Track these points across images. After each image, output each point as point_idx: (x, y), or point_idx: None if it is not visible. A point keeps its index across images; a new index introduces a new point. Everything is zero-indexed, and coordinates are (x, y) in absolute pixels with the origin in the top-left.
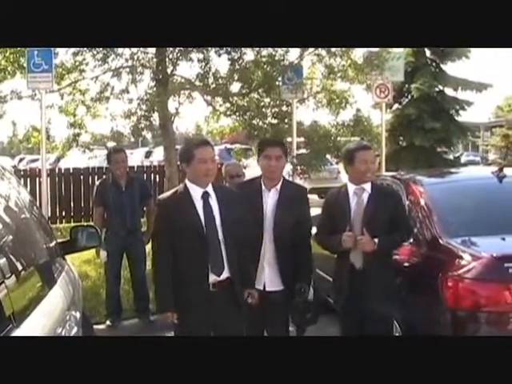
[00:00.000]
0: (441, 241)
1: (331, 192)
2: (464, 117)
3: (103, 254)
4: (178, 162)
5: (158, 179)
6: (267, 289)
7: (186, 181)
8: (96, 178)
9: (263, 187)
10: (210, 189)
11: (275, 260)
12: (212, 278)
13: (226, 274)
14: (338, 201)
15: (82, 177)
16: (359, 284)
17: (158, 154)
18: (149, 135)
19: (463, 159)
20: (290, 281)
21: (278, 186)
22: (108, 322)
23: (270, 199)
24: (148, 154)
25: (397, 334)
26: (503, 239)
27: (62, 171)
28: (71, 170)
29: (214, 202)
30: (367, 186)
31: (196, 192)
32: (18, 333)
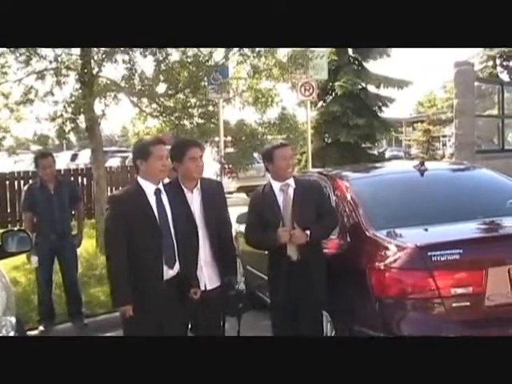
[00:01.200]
0: (367, 233)
1: (256, 192)
2: (387, 113)
3: (34, 258)
4: (132, 160)
5: (85, 182)
6: (208, 288)
7: (138, 178)
8: (22, 182)
9: (185, 189)
10: (161, 186)
11: (211, 258)
12: (165, 271)
13: (177, 268)
14: (265, 199)
15: (7, 182)
16: (296, 275)
17: (84, 157)
18: (73, 138)
19: (387, 154)
20: (222, 276)
21: (199, 185)
22: (41, 328)
23: (194, 200)
24: (74, 157)
25: (329, 326)
26: (426, 230)
27: None
28: None
29: (165, 198)
30: (291, 182)
31: (149, 188)
32: None
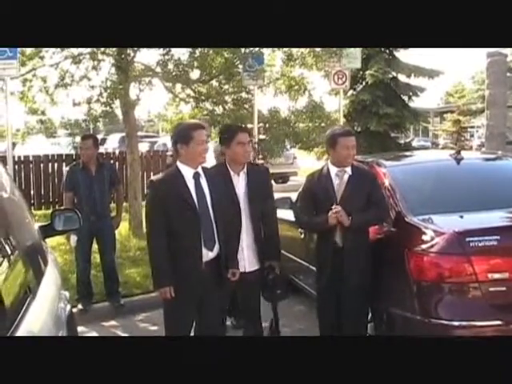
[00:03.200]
0: (405, 218)
1: (313, 173)
2: (416, 103)
3: (73, 238)
4: (172, 144)
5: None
6: (247, 270)
7: (178, 163)
8: (56, 165)
9: (231, 172)
10: (200, 170)
11: (252, 241)
12: (205, 254)
13: (216, 250)
14: (321, 182)
15: (41, 164)
16: (341, 261)
17: (112, 142)
18: (100, 123)
19: (414, 144)
20: (263, 259)
21: (245, 170)
22: (80, 306)
23: (240, 183)
24: (102, 142)
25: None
26: (461, 217)
27: (22, 159)
28: (31, 158)
29: (204, 181)
30: (348, 169)
31: (188, 172)
32: (34, 304)
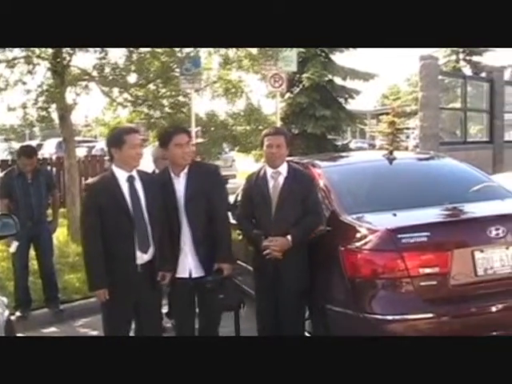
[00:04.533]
0: (339, 217)
1: (251, 175)
2: (352, 105)
3: (14, 244)
4: (106, 148)
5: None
6: (193, 275)
7: (113, 166)
8: None
9: (172, 174)
10: (134, 173)
11: (198, 245)
12: (139, 256)
13: (152, 253)
14: (257, 183)
15: None
16: (277, 261)
17: (49, 147)
18: (36, 128)
19: (352, 145)
20: (211, 260)
21: (186, 171)
22: (18, 313)
23: (180, 185)
24: (38, 147)
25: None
26: (394, 215)
27: None
28: None
29: (138, 184)
30: (282, 170)
31: (122, 176)
32: None
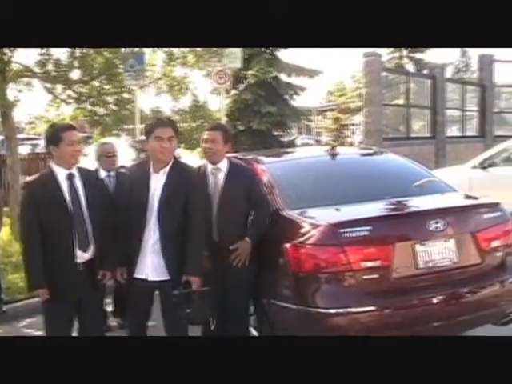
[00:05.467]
0: (282, 212)
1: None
2: (298, 101)
3: None
4: (45, 146)
5: None
6: (150, 278)
7: (52, 164)
8: None
9: (151, 170)
10: (74, 171)
11: (160, 248)
12: (79, 255)
13: (92, 251)
14: (201, 180)
15: None
16: (221, 257)
17: None
18: None
19: (298, 142)
20: (177, 271)
21: (167, 169)
22: None
23: (158, 183)
24: None
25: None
26: (337, 209)
27: None
28: None
29: (78, 182)
30: (222, 166)
31: (61, 173)
32: None
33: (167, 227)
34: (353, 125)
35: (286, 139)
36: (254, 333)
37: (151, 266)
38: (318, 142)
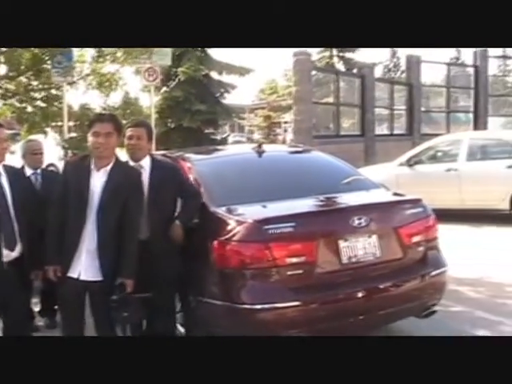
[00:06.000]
0: (209, 209)
1: None
2: (230, 99)
3: None
4: None
5: None
6: (81, 278)
7: None
8: None
9: (92, 167)
10: (0, 168)
11: (95, 248)
12: (6, 254)
13: (19, 250)
14: None
15: None
16: (147, 254)
17: None
18: None
19: (230, 140)
20: (111, 272)
21: (108, 168)
22: None
23: (98, 181)
24: None
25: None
26: (264, 206)
27: None
28: None
29: (4, 179)
30: (145, 163)
31: None
32: None
33: (105, 228)
34: (285, 122)
35: (218, 137)
36: (182, 330)
37: (85, 265)
38: (250, 140)
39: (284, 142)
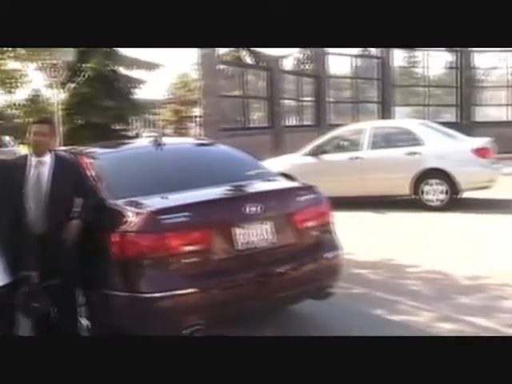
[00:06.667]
0: (107, 202)
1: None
2: (141, 94)
3: None
4: None
5: None
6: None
7: None
8: None
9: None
10: None
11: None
12: None
13: None
14: (14, 172)
15: None
16: (43, 249)
17: None
18: None
19: (144, 135)
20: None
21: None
22: None
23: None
24: None
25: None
26: (164, 197)
27: None
28: None
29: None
30: (47, 159)
31: None
32: None
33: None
34: (196, 117)
35: (129, 133)
36: (87, 323)
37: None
38: (163, 135)
39: (196, 135)
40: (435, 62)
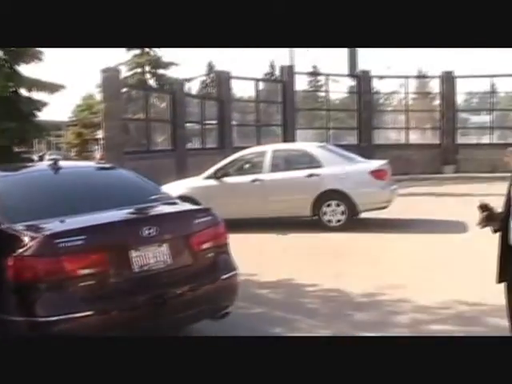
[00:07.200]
0: (2, 226)
1: None
2: (44, 116)
3: None
4: None
5: None
6: None
7: None
8: None
9: None
10: None
11: None
12: None
13: None
14: None
15: None
16: None
17: None
18: None
19: (47, 158)
20: None
21: None
22: None
23: None
24: None
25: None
26: (62, 221)
27: None
28: None
29: None
30: None
31: None
32: None
33: None
34: (100, 139)
35: (32, 156)
36: None
37: None
38: (67, 158)
39: (102, 158)
40: (337, 86)
